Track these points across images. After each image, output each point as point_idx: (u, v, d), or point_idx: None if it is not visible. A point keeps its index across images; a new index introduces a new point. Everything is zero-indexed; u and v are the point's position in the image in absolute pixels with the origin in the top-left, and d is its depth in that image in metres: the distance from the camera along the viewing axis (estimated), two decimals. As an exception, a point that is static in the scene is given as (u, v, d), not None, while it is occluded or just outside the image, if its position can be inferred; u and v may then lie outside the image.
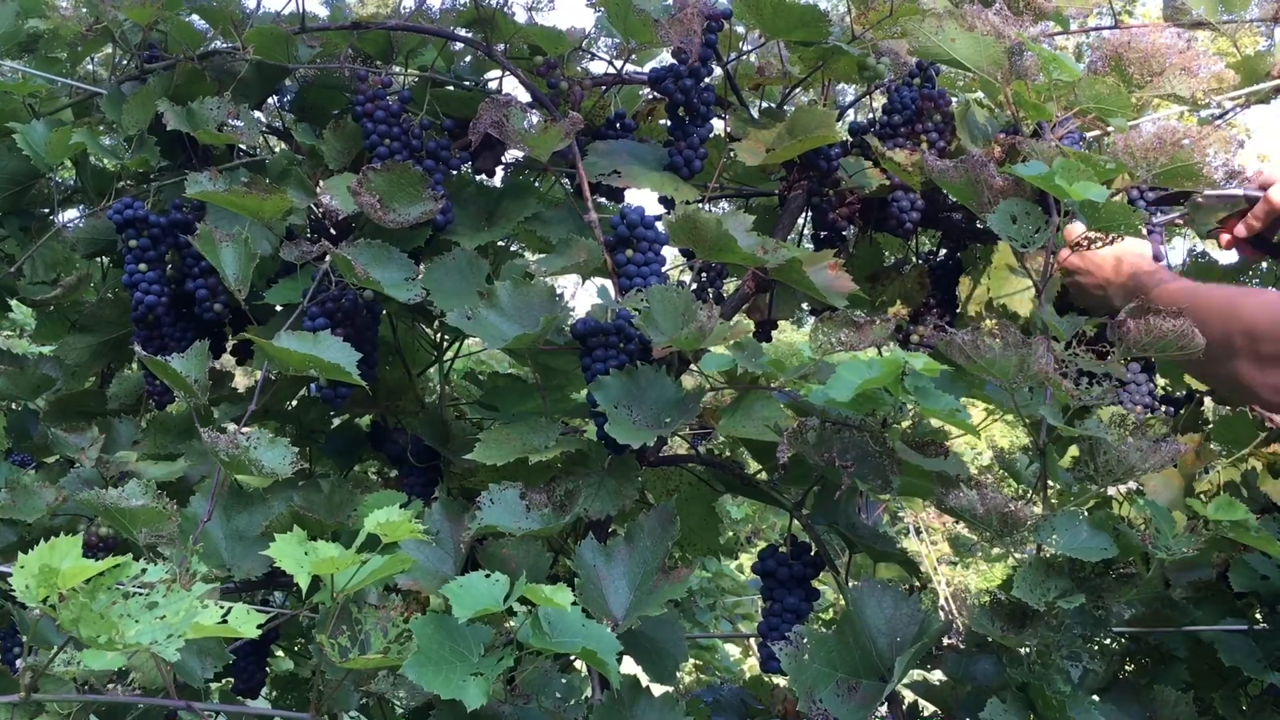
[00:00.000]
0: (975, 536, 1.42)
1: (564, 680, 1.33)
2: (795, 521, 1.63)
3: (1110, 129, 1.75)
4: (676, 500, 1.93)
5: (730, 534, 4.71)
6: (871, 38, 1.89)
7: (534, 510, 1.45)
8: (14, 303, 2.26)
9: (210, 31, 1.90)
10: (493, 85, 1.99)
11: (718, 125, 1.88)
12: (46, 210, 2.10)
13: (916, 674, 1.78)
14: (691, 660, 4.21)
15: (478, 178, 1.95)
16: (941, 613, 1.45)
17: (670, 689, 1.46)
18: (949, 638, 1.54)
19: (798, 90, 2.01)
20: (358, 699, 1.37)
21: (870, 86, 1.93)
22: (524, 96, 1.83)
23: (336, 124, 1.85)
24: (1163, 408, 1.96)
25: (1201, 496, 1.82)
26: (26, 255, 2.02)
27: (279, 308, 1.77)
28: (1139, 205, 1.82)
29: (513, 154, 1.96)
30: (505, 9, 1.85)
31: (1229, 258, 1.97)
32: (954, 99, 1.87)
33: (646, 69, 1.92)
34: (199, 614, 0.87)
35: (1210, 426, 1.99)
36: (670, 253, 1.72)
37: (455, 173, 1.87)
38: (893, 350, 1.34)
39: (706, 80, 1.77)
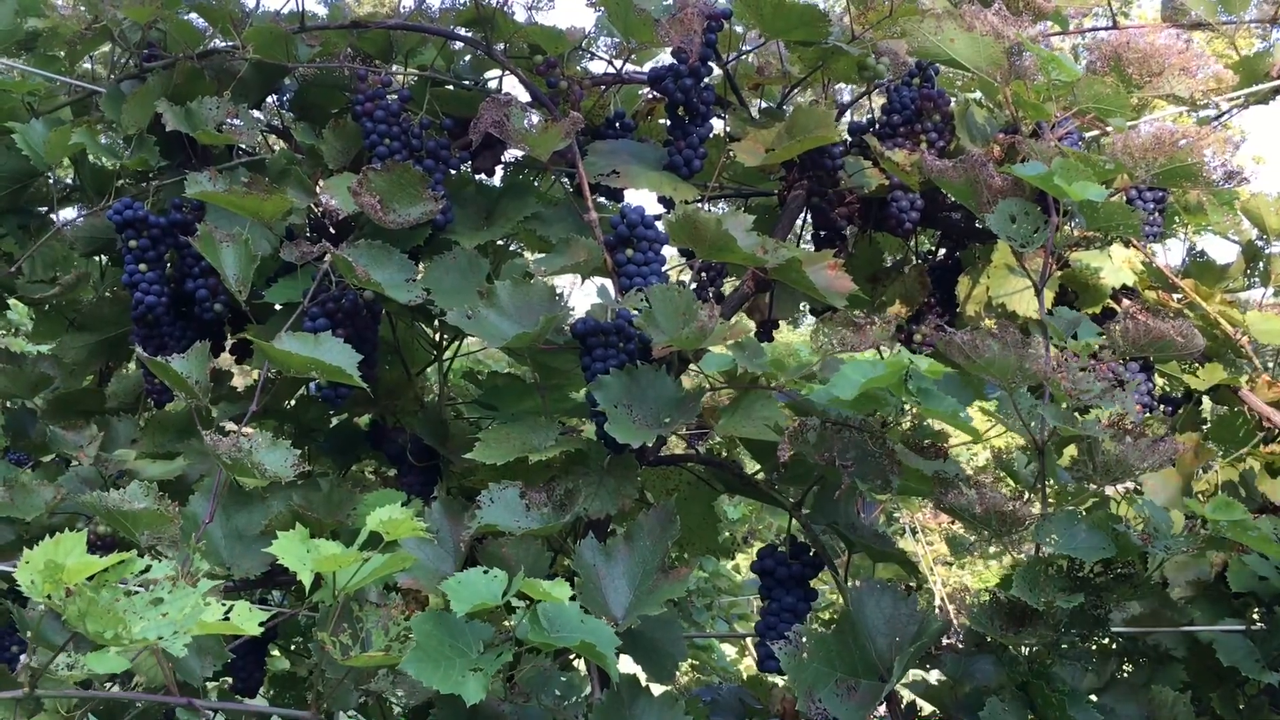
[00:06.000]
0: (973, 536, 1.42)
1: (563, 679, 1.33)
2: (794, 521, 1.63)
3: (1109, 129, 1.76)
4: (676, 500, 1.93)
5: (727, 534, 4.70)
6: (871, 38, 1.90)
7: (533, 509, 1.45)
8: (12, 301, 2.25)
9: (209, 30, 1.90)
10: (492, 85, 1.99)
11: (717, 125, 1.89)
12: (45, 209, 2.09)
13: (915, 674, 1.78)
14: (688, 660, 4.21)
15: (477, 177, 1.95)
16: (938, 613, 1.45)
17: (669, 688, 1.46)
18: (947, 637, 1.54)
19: (797, 90, 2.01)
20: (356, 698, 1.37)
21: (869, 86, 1.93)
22: (524, 96, 1.83)
23: (336, 123, 1.84)
24: (1161, 407, 1.96)
25: (1199, 496, 1.83)
26: (26, 254, 2.01)
27: (278, 306, 1.77)
28: (1138, 205, 1.83)
29: (512, 153, 1.96)
30: (505, 8, 1.85)
31: (1227, 257, 1.97)
32: (953, 99, 1.87)
33: (646, 68, 1.92)
34: (203, 611, 0.88)
35: (1208, 426, 1.99)
36: (670, 252, 1.72)
37: (455, 172, 1.87)
38: (898, 351, 1.34)
39: (706, 80, 1.77)
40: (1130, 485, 1.63)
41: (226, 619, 0.95)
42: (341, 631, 1.14)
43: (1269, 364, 1.96)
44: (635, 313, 1.50)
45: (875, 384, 1.30)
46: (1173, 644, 1.76)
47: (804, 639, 1.40)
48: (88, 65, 2.17)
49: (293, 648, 2.72)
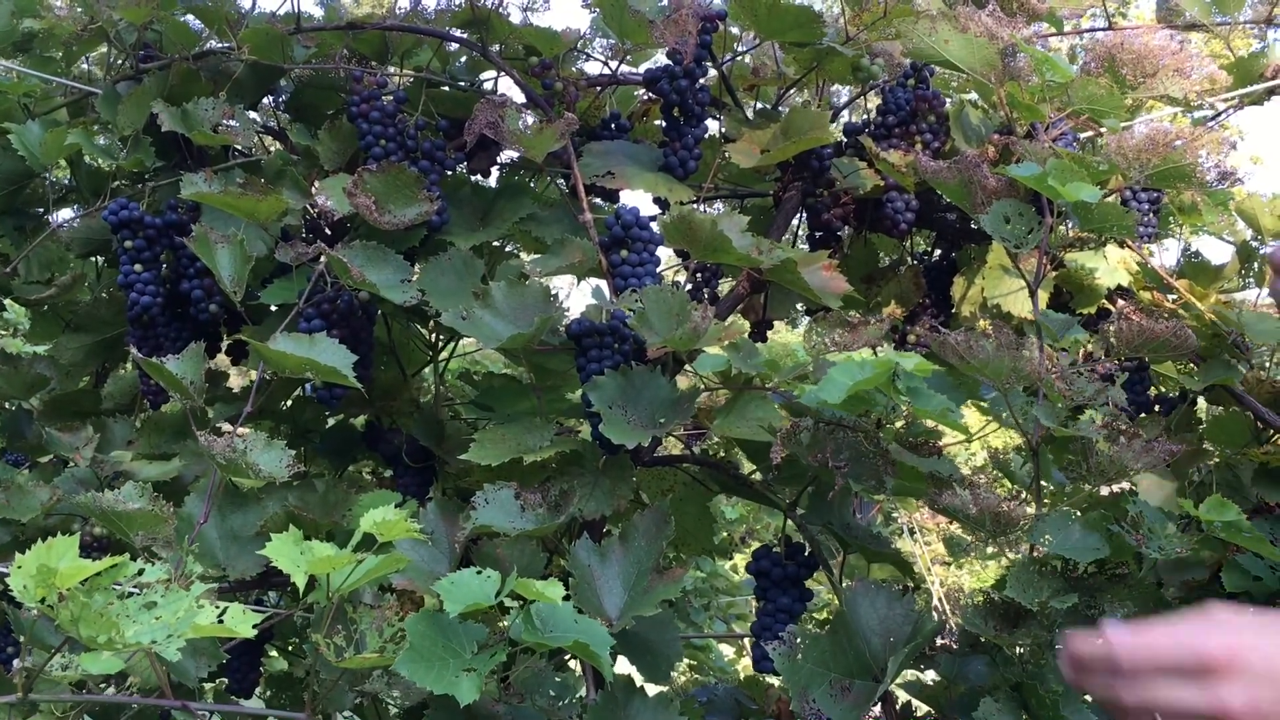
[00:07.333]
0: (969, 537, 1.43)
1: (558, 679, 1.33)
2: (789, 522, 1.63)
3: (1104, 130, 1.76)
4: (671, 500, 1.93)
5: (724, 534, 4.70)
6: (865, 39, 1.90)
7: (529, 510, 1.45)
8: (8, 302, 2.25)
9: (205, 31, 1.90)
10: (488, 86, 1.99)
11: (713, 126, 1.89)
12: (41, 210, 2.10)
13: (910, 674, 1.78)
14: (686, 660, 4.21)
15: (473, 178, 1.95)
16: (935, 613, 1.45)
17: (665, 688, 1.46)
18: (942, 638, 1.54)
19: (792, 91, 2.01)
20: (352, 699, 1.37)
21: (865, 87, 1.93)
22: (519, 97, 1.83)
23: (332, 124, 1.85)
24: (1156, 407, 1.96)
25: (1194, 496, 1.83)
26: (21, 255, 2.01)
27: (274, 307, 1.76)
28: (1133, 206, 1.83)
29: (508, 154, 1.96)
30: (500, 9, 1.85)
31: (1222, 257, 1.97)
32: (948, 100, 1.87)
33: (642, 70, 1.92)
34: (197, 614, 0.88)
35: (1204, 426, 1.99)
36: (665, 253, 1.72)
37: (450, 173, 1.87)
38: (886, 350, 1.34)
39: (701, 81, 1.77)
40: (1125, 486, 1.63)
41: (220, 621, 0.95)
42: (336, 633, 1.14)
43: (1265, 364, 1.96)
44: (630, 313, 1.50)
45: (863, 385, 1.30)
46: (1167, 644, 1.75)
47: (798, 639, 1.40)
48: (84, 66, 2.17)
49: (289, 649, 2.72)
